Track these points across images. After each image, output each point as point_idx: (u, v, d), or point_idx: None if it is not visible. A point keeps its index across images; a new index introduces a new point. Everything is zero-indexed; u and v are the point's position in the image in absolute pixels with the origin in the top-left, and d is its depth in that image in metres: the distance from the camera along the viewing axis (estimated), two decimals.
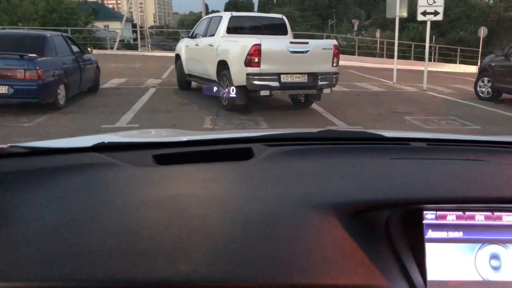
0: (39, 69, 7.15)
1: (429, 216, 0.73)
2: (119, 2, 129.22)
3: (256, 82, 7.40)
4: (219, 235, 0.64)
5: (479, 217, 0.73)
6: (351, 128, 7.10)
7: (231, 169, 0.90)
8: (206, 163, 0.93)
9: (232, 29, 8.70)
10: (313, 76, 7.73)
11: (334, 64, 7.87)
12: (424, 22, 12.89)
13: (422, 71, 13.37)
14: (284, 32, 9.08)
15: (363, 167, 0.91)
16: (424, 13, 12.24)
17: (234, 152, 1.00)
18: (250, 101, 7.99)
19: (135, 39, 32.62)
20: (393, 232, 0.71)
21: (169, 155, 0.97)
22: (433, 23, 12.88)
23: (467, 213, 0.73)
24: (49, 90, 7.46)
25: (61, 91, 7.90)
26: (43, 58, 7.51)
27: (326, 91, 7.98)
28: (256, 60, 7.32)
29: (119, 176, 0.86)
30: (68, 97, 8.23)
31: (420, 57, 21.88)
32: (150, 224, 0.66)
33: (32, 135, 6.10)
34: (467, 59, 26.33)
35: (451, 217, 0.73)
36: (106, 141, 1.02)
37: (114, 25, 41.85)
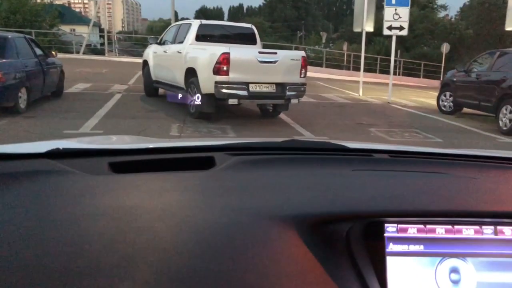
0: None
1: (390, 229, 0.72)
2: (86, 6, 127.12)
3: (224, 91, 7.38)
4: (168, 249, 0.60)
5: (440, 230, 0.73)
6: (317, 138, 7.16)
7: (190, 179, 0.87)
8: (164, 172, 0.89)
9: (201, 37, 8.67)
10: (281, 86, 7.77)
11: (302, 75, 7.95)
12: (390, 37, 13.22)
13: (387, 84, 13.68)
14: (253, 42, 9.12)
15: (325, 178, 0.90)
16: (390, 28, 12.57)
17: (196, 161, 0.98)
18: (218, 109, 7.96)
19: (102, 44, 32.11)
20: (354, 245, 0.70)
21: (126, 163, 0.93)
22: (399, 38, 13.23)
23: (428, 226, 0.73)
24: (10, 93, 7.21)
25: (23, 94, 7.65)
26: (4, 60, 7.26)
27: (294, 101, 8.05)
28: (225, 68, 7.31)
29: (70, 185, 0.81)
30: (30, 101, 7.98)
31: (385, 71, 22.40)
32: (93, 237, 0.62)
33: None
34: (430, 74, 27.15)
35: (412, 230, 0.72)
36: (61, 147, 0.98)
37: (81, 29, 41.11)
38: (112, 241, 0.61)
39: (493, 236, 0.73)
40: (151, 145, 1.11)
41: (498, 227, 0.74)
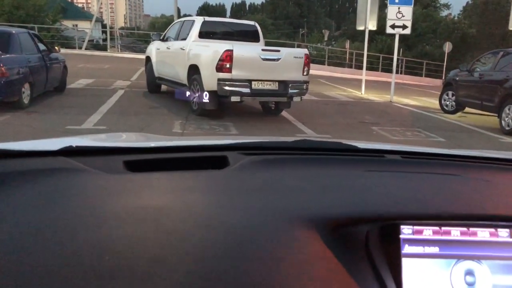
0: (3, 66, 6.91)
1: (406, 231, 0.72)
2: (89, 1, 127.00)
3: (227, 88, 7.38)
4: (197, 251, 0.61)
5: (455, 233, 0.73)
6: (319, 136, 7.17)
7: (207, 178, 0.87)
8: (179, 171, 0.90)
9: (204, 34, 8.66)
10: (283, 84, 7.77)
11: (305, 73, 7.95)
12: (393, 35, 13.20)
13: (390, 82, 13.67)
14: (256, 39, 9.11)
15: (340, 179, 0.91)
16: (393, 26, 12.55)
17: (208, 160, 0.98)
18: (220, 106, 7.96)
19: (104, 40, 32.11)
20: (372, 247, 0.71)
21: (141, 162, 0.93)
22: (401, 36, 13.22)
23: (443, 228, 0.73)
24: (13, 88, 7.21)
25: (26, 89, 7.66)
26: (8, 55, 7.27)
27: (296, 99, 8.05)
28: (228, 65, 7.31)
29: (88, 184, 0.81)
30: (33, 96, 7.99)
31: (387, 69, 22.37)
32: (122, 239, 0.62)
33: None
34: (432, 73, 27.12)
35: (427, 232, 0.73)
36: (74, 144, 0.98)
37: (84, 25, 41.04)
38: (140, 243, 0.61)
39: (508, 239, 0.74)
40: (165, 144, 1.11)
41: None
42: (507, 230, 0.74)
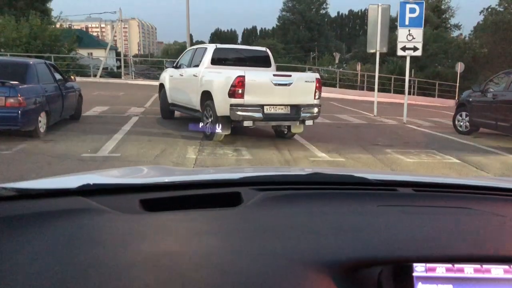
0: (21, 97, 7.07)
1: (419, 269, 0.73)
2: (103, 30, 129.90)
3: (239, 113, 7.45)
4: None
5: (468, 270, 0.73)
6: (333, 159, 7.15)
7: (221, 218, 0.88)
8: (194, 209, 0.91)
9: (217, 60, 8.80)
10: (295, 108, 7.84)
11: (317, 97, 8.00)
12: (404, 57, 13.24)
13: (402, 104, 13.65)
14: (268, 65, 9.22)
15: (352, 217, 0.91)
16: (404, 49, 12.59)
17: (223, 196, 0.99)
18: (233, 131, 8.02)
19: (118, 67, 32.71)
20: (385, 287, 0.71)
21: (156, 200, 0.95)
22: (412, 57, 13.25)
23: (456, 265, 0.73)
24: (30, 117, 7.37)
25: (42, 118, 7.81)
26: (25, 86, 7.44)
27: (309, 122, 8.09)
28: (240, 91, 7.40)
29: (106, 226, 0.83)
30: (49, 124, 8.14)
31: (399, 90, 22.36)
32: (139, 286, 0.63)
33: (10, 163, 5.98)
34: (445, 93, 27.01)
35: (440, 270, 0.73)
36: (91, 182, 1.00)
37: (98, 53, 41.97)
38: None
39: None
40: (179, 180, 1.13)
41: None
42: None
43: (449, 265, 0.73)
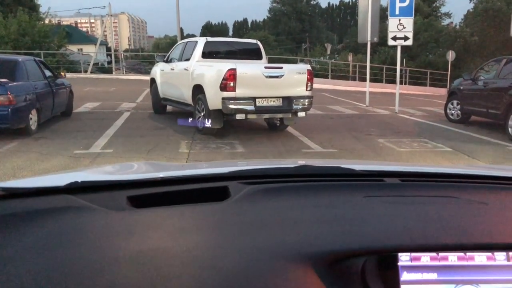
0: (11, 94, 7.02)
1: (404, 258, 0.74)
2: (93, 25, 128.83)
3: (231, 106, 7.44)
4: None
5: (452, 258, 0.74)
6: (325, 150, 7.17)
7: (207, 213, 0.89)
8: (181, 205, 0.91)
9: (208, 54, 8.77)
10: (287, 100, 7.83)
11: (308, 88, 8.00)
12: (395, 46, 13.26)
13: (394, 93, 13.68)
14: (259, 57, 9.20)
15: (338, 208, 0.92)
16: (395, 38, 12.60)
17: (210, 190, 1.00)
18: (226, 124, 8.01)
19: (109, 63, 32.51)
20: (369, 277, 0.72)
21: (143, 196, 0.96)
22: (403, 47, 13.26)
23: (440, 254, 0.74)
24: (21, 115, 7.32)
25: (33, 116, 7.76)
26: (15, 83, 7.38)
27: (301, 114, 8.10)
28: (232, 84, 7.38)
29: (93, 223, 0.83)
30: (40, 122, 8.09)
31: (391, 80, 22.41)
32: (125, 283, 0.64)
33: (1, 160, 5.95)
34: (436, 82, 27.11)
35: (425, 259, 0.74)
36: (79, 180, 1.00)
37: (88, 49, 41.66)
38: (141, 286, 0.63)
39: (505, 263, 0.75)
40: (166, 175, 1.13)
41: (511, 253, 0.75)
42: (504, 253, 0.75)
43: (434, 254, 0.74)
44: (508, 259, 0.75)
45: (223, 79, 7.40)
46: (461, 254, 0.74)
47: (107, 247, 0.74)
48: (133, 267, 0.68)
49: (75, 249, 0.74)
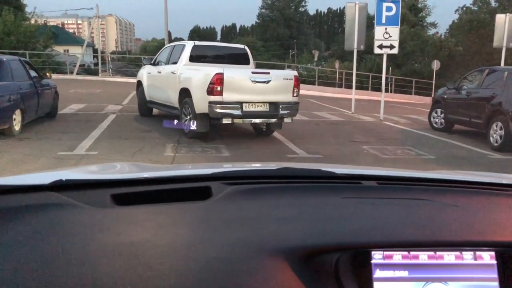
0: None
1: (376, 256, 0.77)
2: (80, 27, 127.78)
3: (218, 110, 7.46)
4: (177, 284, 0.65)
5: (423, 257, 0.78)
6: (310, 157, 7.22)
7: (189, 211, 0.91)
8: (164, 203, 0.93)
9: (195, 58, 8.78)
10: (274, 105, 7.88)
11: (295, 94, 8.07)
12: (381, 54, 13.42)
13: (379, 101, 13.83)
14: (246, 62, 9.24)
15: (316, 208, 0.95)
16: (381, 47, 12.76)
17: (193, 190, 1.02)
18: (212, 129, 8.02)
19: (96, 64, 32.26)
20: (342, 273, 0.75)
21: (127, 195, 0.97)
22: (390, 55, 13.43)
23: (412, 252, 0.78)
24: (4, 115, 7.23)
25: (17, 116, 7.67)
26: None
27: (287, 120, 8.15)
28: (219, 88, 7.40)
29: (77, 219, 0.85)
30: (24, 122, 8.00)
31: (377, 88, 22.64)
32: (106, 275, 0.66)
33: None
34: (421, 90, 27.45)
35: (397, 257, 0.77)
36: (64, 178, 1.01)
37: (75, 50, 41.29)
38: (122, 278, 0.65)
39: (472, 261, 0.78)
40: (150, 175, 1.15)
41: (477, 253, 0.79)
42: (471, 253, 0.79)
43: (405, 253, 0.77)
44: (475, 258, 0.79)
45: (210, 83, 7.42)
46: (431, 253, 0.78)
47: (92, 240, 0.76)
48: (117, 257, 0.70)
49: (60, 243, 0.75)
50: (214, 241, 0.77)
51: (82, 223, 0.84)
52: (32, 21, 26.19)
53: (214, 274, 0.68)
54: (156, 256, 0.72)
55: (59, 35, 43.91)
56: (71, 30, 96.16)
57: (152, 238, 0.78)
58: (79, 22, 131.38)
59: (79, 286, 0.64)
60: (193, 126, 7.71)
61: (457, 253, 0.78)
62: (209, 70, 7.63)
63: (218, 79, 7.39)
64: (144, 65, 10.82)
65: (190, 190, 1.02)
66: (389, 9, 12.61)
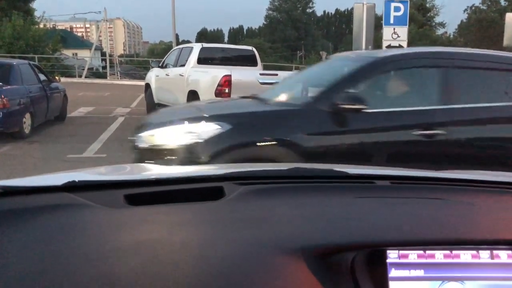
0: (4, 98, 7.01)
1: (392, 255, 0.76)
2: (88, 30, 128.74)
3: None
4: (192, 281, 0.65)
5: (439, 256, 0.77)
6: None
7: (202, 211, 0.91)
8: (177, 203, 0.93)
9: (203, 60, 8.80)
10: None
11: None
12: None
13: None
14: (254, 64, 9.24)
15: (329, 207, 0.94)
16: (389, 47, 12.70)
17: (206, 190, 1.02)
18: None
19: (104, 68, 32.47)
20: (358, 272, 0.74)
21: (140, 195, 0.97)
22: None
23: (427, 251, 0.76)
24: (14, 119, 7.30)
25: (27, 119, 7.74)
26: (9, 87, 7.38)
27: None
28: (227, 90, 7.40)
29: (91, 219, 0.85)
30: (34, 126, 8.06)
31: None
32: (124, 273, 0.66)
33: None
34: None
35: (412, 256, 0.76)
36: (77, 179, 1.02)
37: (83, 53, 41.60)
38: (139, 275, 0.65)
39: (489, 260, 0.77)
40: (162, 176, 1.15)
41: (494, 252, 0.78)
42: (488, 252, 0.78)
43: (421, 252, 0.76)
44: (492, 257, 0.77)
45: (218, 85, 7.42)
46: (447, 252, 0.77)
47: (105, 240, 0.76)
48: (132, 255, 0.70)
49: (72, 242, 0.75)
50: (229, 239, 0.77)
51: (97, 222, 0.84)
52: (41, 25, 26.44)
53: (230, 270, 0.68)
54: (172, 253, 0.72)
55: (68, 38, 44.27)
56: (79, 34, 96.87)
57: (167, 236, 0.78)
58: (87, 25, 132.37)
59: (95, 282, 0.64)
60: None
61: (474, 252, 0.77)
62: (217, 72, 7.64)
63: (226, 81, 7.40)
64: (152, 67, 10.88)
65: (202, 191, 1.02)
66: (397, 9, 12.56)
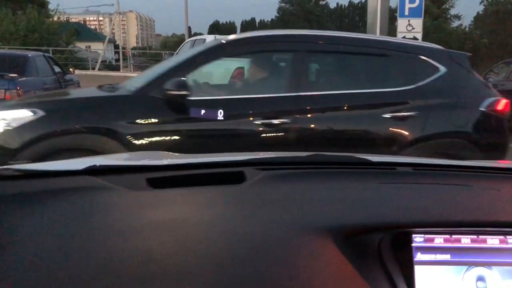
0: (20, 89, 7.07)
1: (418, 239, 0.75)
2: (101, 23, 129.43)
3: None
4: (224, 259, 0.65)
5: (465, 240, 0.75)
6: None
7: (225, 193, 0.91)
8: (200, 186, 0.93)
9: None
10: None
11: None
12: None
13: None
14: None
15: (353, 191, 0.94)
16: (404, 39, 12.56)
17: (226, 175, 1.02)
18: None
19: (117, 60, 32.65)
20: (385, 254, 0.73)
21: (162, 179, 0.97)
22: None
23: (453, 236, 0.75)
24: None
25: None
26: (24, 78, 7.44)
27: None
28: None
29: (116, 200, 0.85)
30: None
31: None
32: (158, 247, 0.67)
33: None
34: None
35: (438, 240, 0.75)
36: (98, 164, 1.02)
37: (96, 46, 41.87)
38: (174, 251, 0.66)
39: None
40: (184, 161, 1.15)
41: None
42: None
43: (447, 236, 0.75)
44: None
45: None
46: (474, 236, 0.76)
47: (133, 218, 0.77)
48: (165, 232, 0.71)
49: (96, 221, 0.76)
50: (257, 218, 0.77)
51: (122, 203, 0.84)
52: (55, 18, 26.63)
53: (255, 247, 0.68)
54: (202, 231, 0.73)
55: (81, 31, 44.53)
56: (92, 27, 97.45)
57: (196, 214, 0.79)
58: (101, 18, 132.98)
59: (131, 258, 0.64)
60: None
61: (501, 237, 0.76)
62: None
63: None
64: (165, 60, 10.91)
65: (223, 175, 1.02)
66: (412, 1, 12.38)
